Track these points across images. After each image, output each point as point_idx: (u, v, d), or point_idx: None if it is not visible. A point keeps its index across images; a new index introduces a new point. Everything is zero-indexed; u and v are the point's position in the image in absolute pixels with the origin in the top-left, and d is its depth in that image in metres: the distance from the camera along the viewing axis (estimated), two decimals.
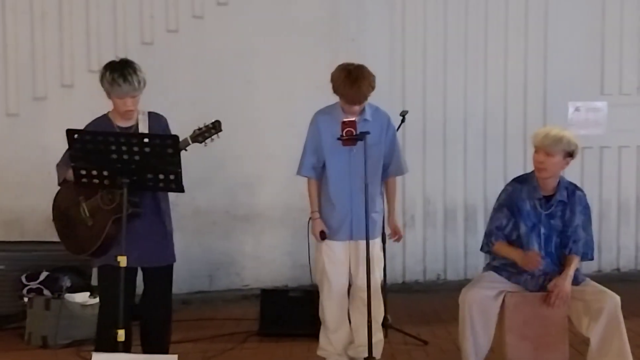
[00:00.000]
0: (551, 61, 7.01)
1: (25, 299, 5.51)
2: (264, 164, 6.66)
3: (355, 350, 4.63)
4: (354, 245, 4.54)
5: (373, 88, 4.44)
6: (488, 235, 4.29)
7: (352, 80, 4.34)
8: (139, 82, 4.04)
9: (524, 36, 6.99)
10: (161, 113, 4.31)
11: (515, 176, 4.43)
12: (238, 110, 6.47)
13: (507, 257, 4.21)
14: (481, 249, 4.41)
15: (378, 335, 4.58)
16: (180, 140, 3.89)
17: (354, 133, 4.15)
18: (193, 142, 4.03)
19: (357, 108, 4.43)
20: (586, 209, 4.28)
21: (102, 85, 4.07)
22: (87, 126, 4.14)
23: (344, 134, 4.17)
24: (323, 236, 4.56)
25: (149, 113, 4.24)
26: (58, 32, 6.38)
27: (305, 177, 4.65)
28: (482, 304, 4.13)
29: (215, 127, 4.07)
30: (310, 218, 4.70)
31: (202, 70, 6.56)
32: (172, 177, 3.83)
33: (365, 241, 4.26)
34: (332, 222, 4.57)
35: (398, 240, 4.83)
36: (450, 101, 6.94)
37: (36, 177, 6.09)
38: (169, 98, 6.11)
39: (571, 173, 6.39)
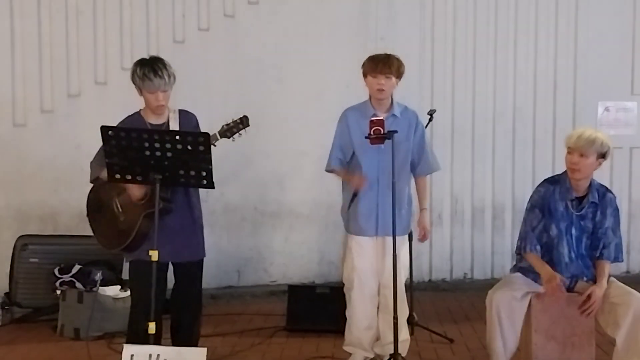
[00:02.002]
0: (581, 60, 6.99)
1: (58, 292, 5.61)
2: (293, 161, 6.72)
3: (382, 348, 4.66)
4: (381, 241, 4.56)
5: (400, 73, 4.49)
6: (523, 238, 4.28)
7: (380, 54, 4.50)
8: (169, 77, 4.10)
9: (553, 35, 6.97)
10: (193, 111, 4.37)
11: (543, 175, 4.43)
12: (268, 108, 6.54)
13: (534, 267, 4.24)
14: (515, 251, 4.42)
15: (404, 334, 4.60)
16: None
17: (382, 132, 4.18)
18: (221, 137, 4.09)
19: (383, 81, 4.43)
20: (616, 211, 4.28)
21: (134, 81, 4.13)
22: (119, 123, 4.18)
23: (372, 133, 4.20)
24: (362, 182, 4.44)
25: (180, 111, 4.30)
26: (92, 30, 6.49)
27: (333, 168, 4.64)
28: (509, 305, 4.13)
29: (242, 123, 4.11)
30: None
31: (233, 69, 6.63)
32: (203, 173, 3.89)
33: (391, 238, 4.29)
34: (359, 217, 4.58)
35: (422, 240, 4.77)
36: (479, 100, 6.95)
37: (70, 172, 6.20)
38: (200, 96, 6.20)
39: (601, 173, 6.36)
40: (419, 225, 4.70)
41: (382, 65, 4.43)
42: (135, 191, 4.06)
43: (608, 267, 4.21)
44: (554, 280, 4.06)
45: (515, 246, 4.39)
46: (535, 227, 4.23)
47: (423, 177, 4.74)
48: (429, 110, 5.56)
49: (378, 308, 4.67)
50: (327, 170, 4.72)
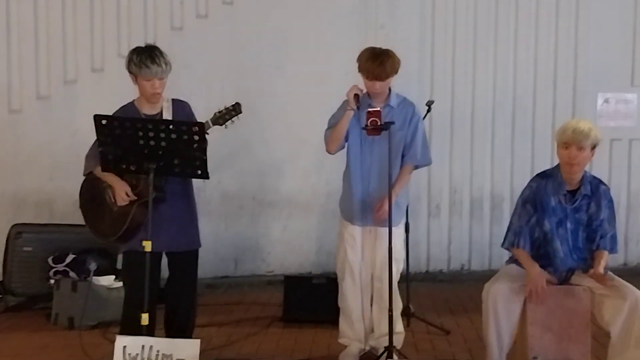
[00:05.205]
0: (581, 51, 6.93)
1: (52, 281, 5.59)
2: (291, 149, 6.68)
3: (377, 341, 4.63)
4: (373, 231, 4.53)
5: (396, 71, 4.41)
6: (515, 233, 4.23)
7: (376, 55, 4.37)
8: (166, 64, 4.10)
9: (554, 25, 6.91)
10: (191, 98, 4.35)
11: (542, 166, 4.39)
12: (267, 95, 6.51)
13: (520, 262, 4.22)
14: (502, 245, 4.37)
15: (398, 327, 4.57)
16: None
17: (379, 123, 4.15)
18: (214, 124, 4.06)
19: (378, 86, 4.38)
20: (611, 202, 4.25)
21: (129, 69, 4.10)
22: (114, 114, 4.16)
23: (369, 124, 4.16)
24: (357, 97, 4.36)
25: (173, 100, 4.27)
26: (89, 16, 6.44)
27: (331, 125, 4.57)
28: (506, 297, 4.11)
29: (235, 109, 4.08)
30: None
31: (231, 56, 6.58)
32: (197, 163, 3.86)
33: (384, 229, 4.27)
34: (350, 205, 4.55)
35: (376, 214, 4.43)
36: (478, 90, 6.89)
37: (66, 159, 6.18)
38: (199, 83, 6.16)
39: (600, 165, 6.37)
40: (378, 200, 4.43)
41: (378, 71, 4.34)
42: (121, 192, 4.04)
43: (606, 255, 4.18)
44: (539, 282, 4.03)
45: (505, 240, 4.34)
46: (527, 222, 4.20)
47: (406, 166, 4.58)
48: (427, 101, 5.50)
49: (371, 300, 4.65)
50: (327, 132, 4.57)
